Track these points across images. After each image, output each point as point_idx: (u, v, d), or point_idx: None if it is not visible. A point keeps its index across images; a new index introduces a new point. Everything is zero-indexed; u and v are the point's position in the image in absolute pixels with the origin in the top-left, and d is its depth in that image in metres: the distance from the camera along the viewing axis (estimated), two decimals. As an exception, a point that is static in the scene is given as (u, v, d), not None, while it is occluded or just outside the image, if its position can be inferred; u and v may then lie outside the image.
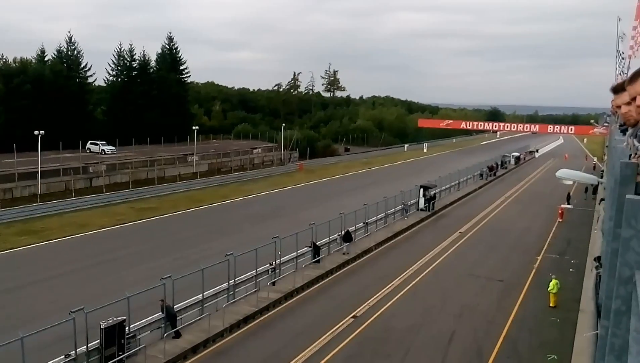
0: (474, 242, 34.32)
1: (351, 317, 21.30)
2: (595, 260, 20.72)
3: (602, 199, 37.64)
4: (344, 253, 29.52)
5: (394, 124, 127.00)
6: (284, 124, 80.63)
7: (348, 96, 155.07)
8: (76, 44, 70.62)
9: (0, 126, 56.08)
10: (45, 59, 69.62)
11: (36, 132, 42.53)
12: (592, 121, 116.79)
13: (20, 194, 42.54)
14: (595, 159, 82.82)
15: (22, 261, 28.11)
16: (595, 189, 48.65)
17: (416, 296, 24.10)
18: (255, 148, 75.02)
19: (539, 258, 30.57)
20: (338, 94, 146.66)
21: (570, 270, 28.07)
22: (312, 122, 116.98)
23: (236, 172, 62.61)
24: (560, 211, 40.04)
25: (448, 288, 25.27)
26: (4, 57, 70.02)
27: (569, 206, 38.25)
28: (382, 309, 22.30)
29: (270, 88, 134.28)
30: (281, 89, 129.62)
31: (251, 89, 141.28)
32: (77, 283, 24.33)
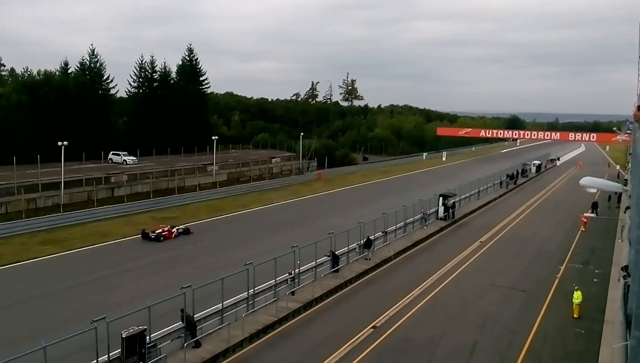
0: (495, 251, 33.83)
1: (371, 327, 21.12)
2: (622, 269, 20.24)
3: (627, 208, 36.90)
4: (366, 259, 29.55)
5: (412, 132, 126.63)
6: (302, 134, 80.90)
7: (366, 105, 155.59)
8: (99, 57, 72.13)
9: (25, 137, 57.31)
10: (69, 71, 71.17)
11: (60, 143, 43.36)
12: (614, 129, 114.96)
13: (44, 204, 43.36)
14: (618, 167, 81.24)
15: (45, 270, 28.54)
16: (619, 197, 47.73)
17: (437, 306, 23.81)
18: (274, 157, 75.37)
19: (562, 267, 29.98)
20: (356, 103, 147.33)
21: (595, 280, 27.51)
22: (330, 132, 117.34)
23: (255, 181, 62.91)
24: (583, 220, 39.31)
25: (469, 298, 24.91)
26: (29, 69, 72.05)
27: (592, 214, 37.54)
28: (402, 319, 22.07)
29: (289, 98, 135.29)
30: (299, 99, 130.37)
31: (270, 99, 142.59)
32: (99, 292, 24.61)
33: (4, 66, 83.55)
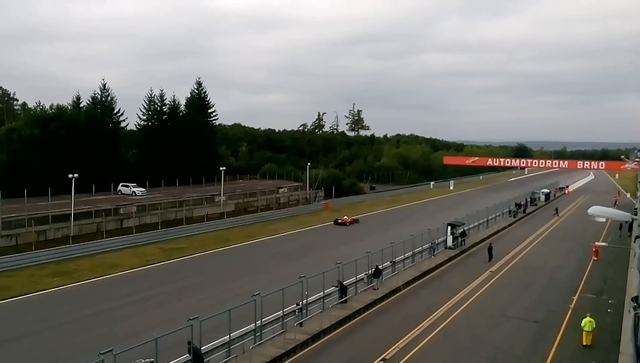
0: (506, 281, 33.43)
1: (380, 360, 20.79)
2: (632, 300, 19.87)
3: (637, 237, 36.46)
4: (374, 289, 29.37)
5: (419, 162, 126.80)
6: (309, 163, 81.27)
7: (372, 135, 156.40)
8: (109, 90, 73.40)
9: (36, 169, 58.05)
10: (81, 105, 72.48)
11: (70, 175, 43.90)
12: (622, 157, 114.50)
13: (54, 236, 43.61)
14: (628, 195, 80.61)
15: (53, 302, 28.54)
16: (630, 226, 47.24)
17: (447, 338, 23.44)
18: (281, 187, 75.60)
19: (575, 298, 29.52)
20: (362, 133, 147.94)
21: (608, 310, 27.02)
22: (336, 161, 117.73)
23: (262, 211, 63.01)
24: (595, 249, 38.86)
25: (480, 329, 24.52)
26: (41, 103, 73.47)
27: (603, 243, 37.08)
28: (413, 351, 21.72)
29: (296, 129, 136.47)
30: (306, 129, 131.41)
31: (277, 130, 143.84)
32: (107, 324, 24.52)
33: (17, 100, 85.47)
